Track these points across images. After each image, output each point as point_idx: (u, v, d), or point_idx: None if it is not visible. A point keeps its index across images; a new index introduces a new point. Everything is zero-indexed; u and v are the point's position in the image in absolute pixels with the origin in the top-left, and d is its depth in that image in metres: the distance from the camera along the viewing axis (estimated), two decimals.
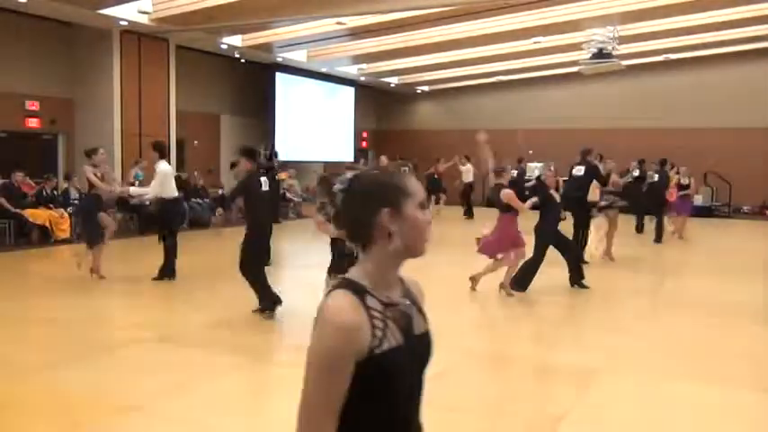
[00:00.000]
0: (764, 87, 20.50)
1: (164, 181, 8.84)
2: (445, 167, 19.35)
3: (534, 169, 18.64)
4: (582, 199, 10.08)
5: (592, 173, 10.26)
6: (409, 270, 1.69)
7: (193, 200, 15.17)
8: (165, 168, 8.91)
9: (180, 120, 16.48)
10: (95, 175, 8.80)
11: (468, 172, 18.90)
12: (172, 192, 9.01)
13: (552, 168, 8.97)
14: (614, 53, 16.38)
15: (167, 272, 8.85)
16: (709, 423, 4.50)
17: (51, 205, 12.74)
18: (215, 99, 19.06)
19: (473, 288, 8.39)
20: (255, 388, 5.06)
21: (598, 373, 5.39)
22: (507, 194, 7.96)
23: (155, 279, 8.81)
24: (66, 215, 12.76)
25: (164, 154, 9.12)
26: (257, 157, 7.87)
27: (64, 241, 12.52)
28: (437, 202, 18.90)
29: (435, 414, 4.49)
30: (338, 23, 15.06)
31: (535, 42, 17.64)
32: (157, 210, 9.26)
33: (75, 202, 13.35)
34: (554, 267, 8.58)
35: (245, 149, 7.32)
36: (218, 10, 13.08)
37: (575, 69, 19.43)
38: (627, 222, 13.59)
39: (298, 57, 18.79)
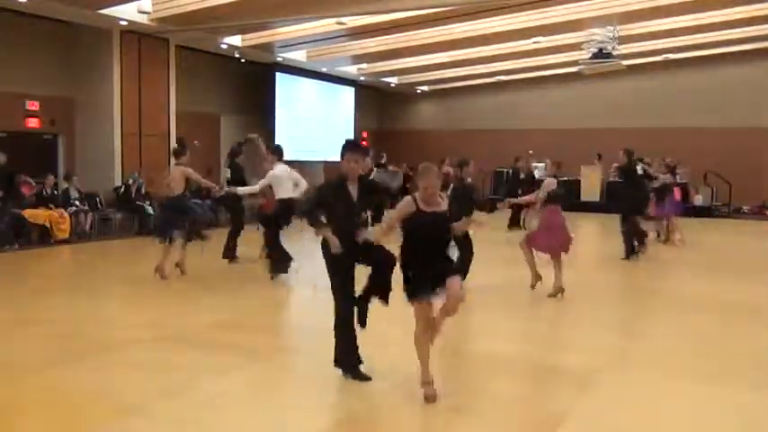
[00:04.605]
0: (764, 87, 20.51)
1: (273, 182, 9.07)
2: (449, 170, 18.96)
3: (536, 168, 18.69)
4: None
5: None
6: None
7: (193, 200, 15.10)
8: (275, 171, 9.11)
9: (180, 120, 16.48)
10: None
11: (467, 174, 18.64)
12: (285, 192, 9.18)
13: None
14: (614, 53, 16.38)
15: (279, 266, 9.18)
16: (709, 423, 4.50)
17: (51, 205, 12.73)
18: (215, 99, 19.06)
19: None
20: (255, 388, 5.05)
21: (598, 373, 5.39)
22: None
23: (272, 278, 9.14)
24: (66, 215, 12.75)
25: (281, 156, 9.30)
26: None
27: (64, 241, 12.52)
28: None
29: (436, 414, 4.52)
30: (338, 23, 15.05)
31: (535, 42, 17.63)
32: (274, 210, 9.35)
33: (76, 202, 13.38)
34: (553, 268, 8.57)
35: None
36: (218, 10, 13.07)
37: (575, 69, 19.43)
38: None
39: (298, 57, 18.79)
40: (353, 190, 4.97)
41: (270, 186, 9.16)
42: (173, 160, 9.62)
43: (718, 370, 5.58)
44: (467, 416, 4.51)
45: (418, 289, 4.56)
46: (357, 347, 5.06)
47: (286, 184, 9.13)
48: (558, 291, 8.10)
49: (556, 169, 8.63)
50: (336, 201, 4.95)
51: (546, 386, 5.21)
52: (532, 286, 8.32)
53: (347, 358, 5.05)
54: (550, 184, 8.24)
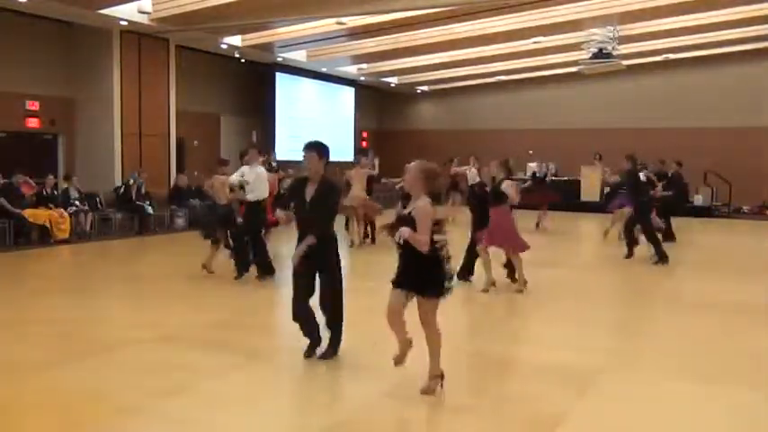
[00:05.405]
0: (764, 87, 20.51)
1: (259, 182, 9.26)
2: (456, 171, 16.78)
3: (531, 168, 18.71)
4: None
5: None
6: None
7: (193, 200, 15.09)
8: (259, 170, 9.33)
9: (180, 120, 16.48)
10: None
11: (475, 175, 18.19)
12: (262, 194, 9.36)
13: None
14: (614, 53, 16.38)
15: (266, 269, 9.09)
16: (709, 423, 4.50)
17: (51, 205, 12.72)
18: (215, 99, 19.07)
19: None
20: (255, 388, 5.05)
21: (598, 373, 5.39)
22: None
23: (257, 277, 9.07)
24: (66, 215, 12.75)
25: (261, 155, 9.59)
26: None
27: (64, 241, 12.52)
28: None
29: (436, 414, 4.51)
30: (338, 23, 15.05)
31: (535, 42, 17.63)
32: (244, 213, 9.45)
33: (76, 202, 13.37)
34: (554, 268, 8.59)
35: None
36: (218, 10, 13.07)
37: (575, 69, 19.43)
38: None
39: (298, 57, 18.79)
40: (310, 189, 5.32)
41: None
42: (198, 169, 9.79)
43: (719, 370, 5.58)
44: (467, 416, 4.51)
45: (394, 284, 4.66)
46: (317, 327, 5.47)
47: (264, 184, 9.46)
48: (492, 283, 8.35)
49: (504, 169, 8.49)
50: (294, 196, 5.38)
51: (546, 386, 5.20)
52: (485, 290, 8.33)
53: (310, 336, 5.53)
54: (510, 185, 8.29)
